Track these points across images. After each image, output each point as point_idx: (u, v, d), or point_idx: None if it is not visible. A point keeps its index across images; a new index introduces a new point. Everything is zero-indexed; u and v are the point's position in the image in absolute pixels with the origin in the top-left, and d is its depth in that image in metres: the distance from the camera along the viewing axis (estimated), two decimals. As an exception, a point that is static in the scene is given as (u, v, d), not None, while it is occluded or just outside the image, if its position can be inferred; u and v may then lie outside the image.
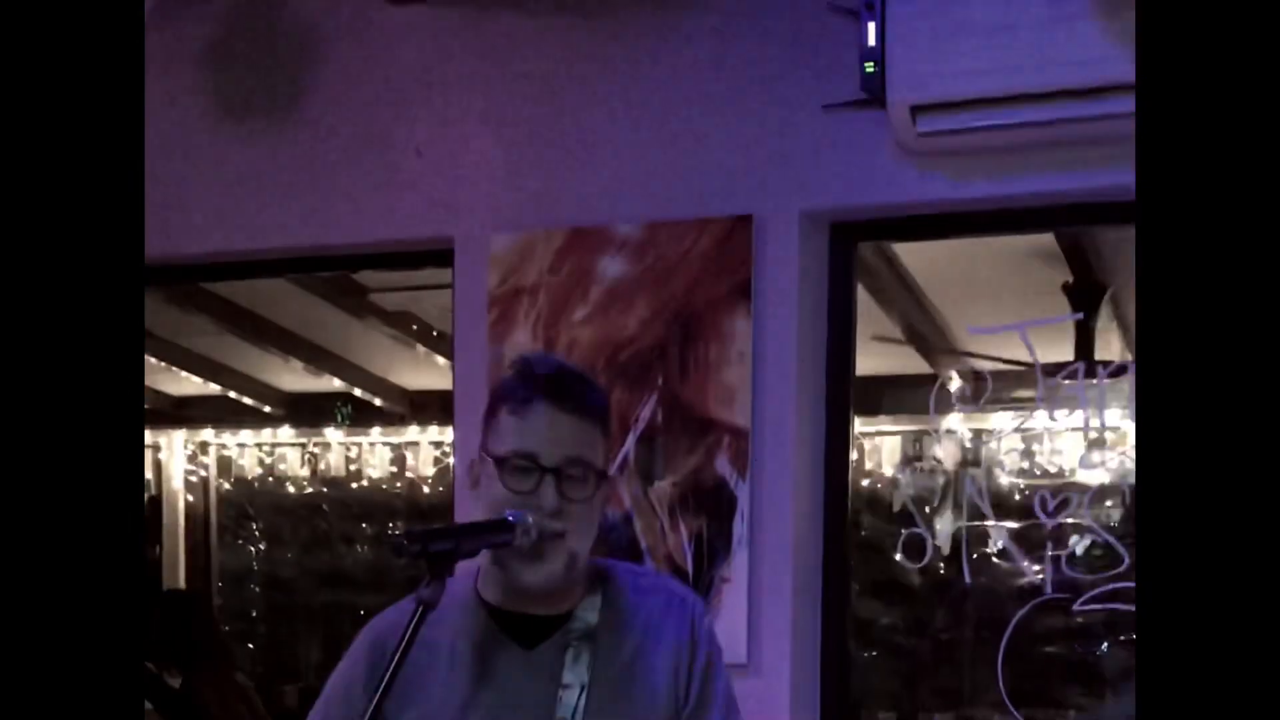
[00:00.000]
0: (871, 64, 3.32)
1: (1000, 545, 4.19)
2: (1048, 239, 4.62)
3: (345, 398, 7.67)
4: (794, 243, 3.61)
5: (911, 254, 4.76)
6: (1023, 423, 4.41)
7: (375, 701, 1.89)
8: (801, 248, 3.62)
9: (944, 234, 3.77)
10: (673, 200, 3.70)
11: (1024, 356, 3.74)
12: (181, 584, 8.17)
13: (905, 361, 5.87)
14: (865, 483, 6.59)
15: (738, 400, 3.64)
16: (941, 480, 5.78)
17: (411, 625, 1.94)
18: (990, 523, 4.00)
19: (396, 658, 1.91)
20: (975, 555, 4.21)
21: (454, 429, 4.00)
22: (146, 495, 8.32)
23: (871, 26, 3.31)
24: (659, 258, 3.69)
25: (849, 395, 3.78)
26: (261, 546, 8.95)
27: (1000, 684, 3.76)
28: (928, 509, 4.66)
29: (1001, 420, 5.48)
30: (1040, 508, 3.68)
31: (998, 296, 4.91)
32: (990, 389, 3.90)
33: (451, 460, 7.60)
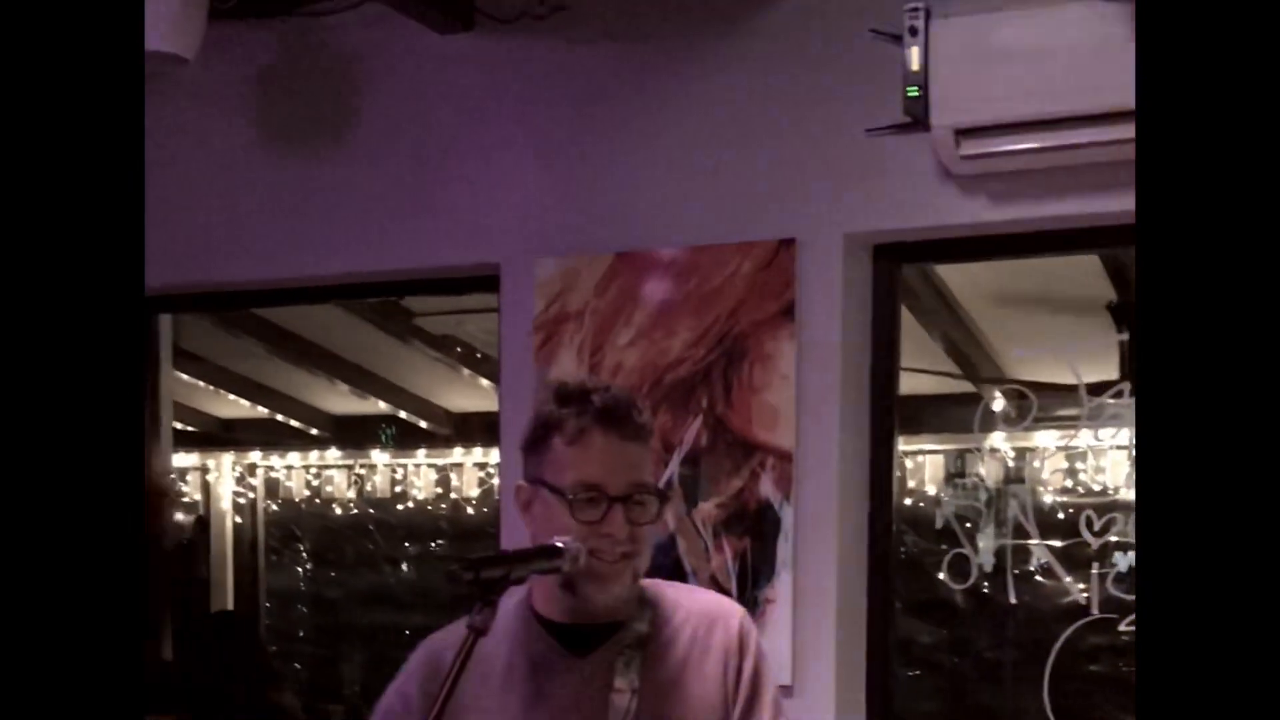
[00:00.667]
0: (915, 88, 3.35)
1: (1044, 563, 4.19)
2: (1091, 258, 4.62)
3: (390, 420, 7.72)
4: (838, 265, 3.64)
5: (953, 273, 4.77)
6: (1068, 441, 4.40)
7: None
8: (845, 270, 3.65)
9: (987, 255, 3.80)
10: (717, 224, 3.73)
11: (1068, 377, 3.76)
12: (230, 605, 8.22)
13: (948, 380, 5.87)
14: (908, 501, 6.59)
15: (781, 422, 3.66)
16: (985, 499, 5.76)
17: (463, 653, 1.97)
18: (1034, 541, 4.00)
19: (448, 686, 1.95)
20: (1019, 574, 4.21)
21: (500, 451, 4.04)
22: (195, 516, 8.39)
23: (914, 51, 3.34)
24: (703, 281, 3.72)
25: (893, 417, 3.80)
26: (308, 567, 9.01)
27: (1046, 703, 3.76)
28: (970, 527, 4.65)
29: (1046, 438, 5.48)
30: (1085, 526, 3.69)
31: (1041, 315, 4.92)
32: (1034, 408, 3.90)
33: (495, 481, 7.65)
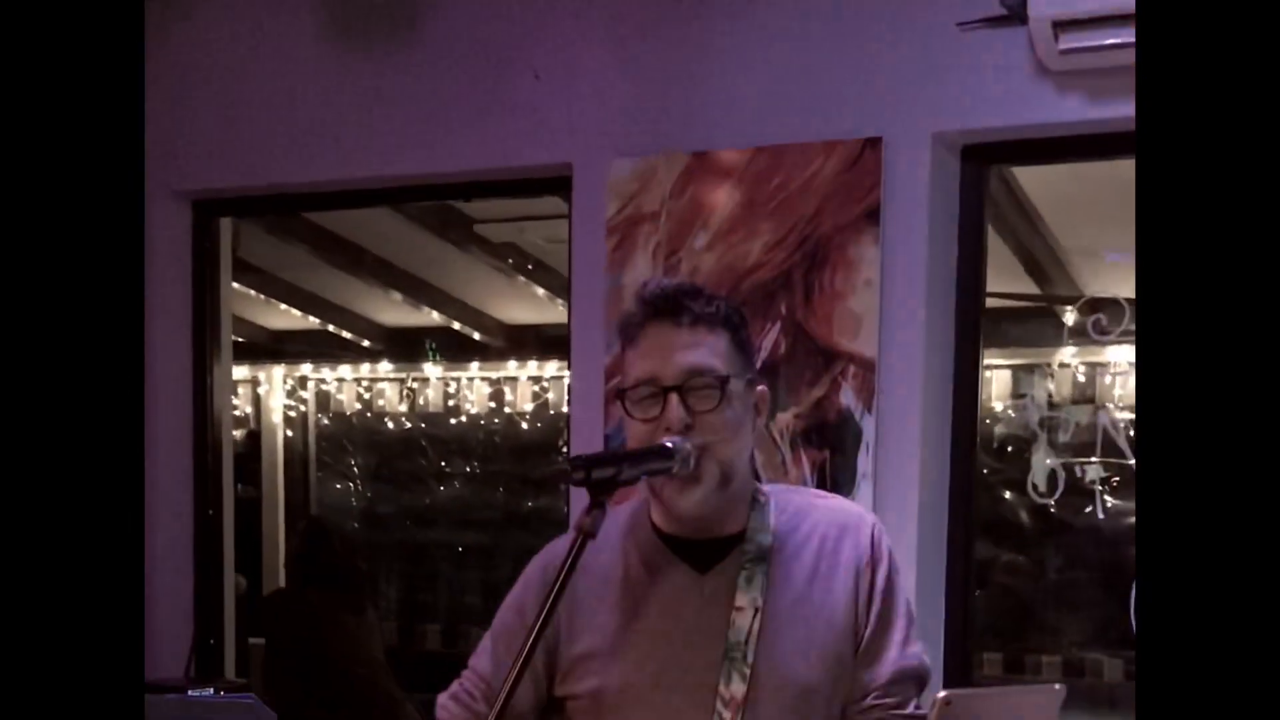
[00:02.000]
0: (1012, -21, 3.22)
1: (1114, 481, 4.09)
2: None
3: (440, 332, 7.62)
4: (925, 166, 3.51)
5: (1035, 183, 4.61)
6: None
7: (536, 629, 1.83)
8: (932, 171, 3.52)
9: (1080, 156, 3.64)
10: (799, 123, 3.60)
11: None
12: (281, 518, 8.20)
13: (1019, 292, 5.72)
14: (976, 417, 6.47)
15: (864, 329, 3.55)
16: (1055, 416, 5.67)
17: (572, 554, 1.87)
18: (1103, 459, 3.90)
19: (557, 586, 1.85)
20: (1087, 493, 4.12)
21: (570, 360, 3.93)
22: (246, 430, 8.35)
23: (1013, -62, 3.20)
24: (784, 182, 3.59)
25: (978, 325, 3.68)
26: (359, 482, 8.96)
27: (1120, 623, 3.67)
28: (1040, 445, 4.55)
29: (1119, 354, 5.36)
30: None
31: (1122, 225, 4.76)
32: (1109, 322, 3.78)
33: (550, 395, 7.58)
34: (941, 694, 1.59)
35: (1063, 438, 4.31)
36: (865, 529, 2.18)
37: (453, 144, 3.98)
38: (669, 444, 2.00)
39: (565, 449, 5.37)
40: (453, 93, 3.96)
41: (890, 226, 3.52)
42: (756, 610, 2.10)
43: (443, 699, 2.29)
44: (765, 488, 2.24)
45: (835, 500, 2.31)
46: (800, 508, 2.23)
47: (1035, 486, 4.14)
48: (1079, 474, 3.90)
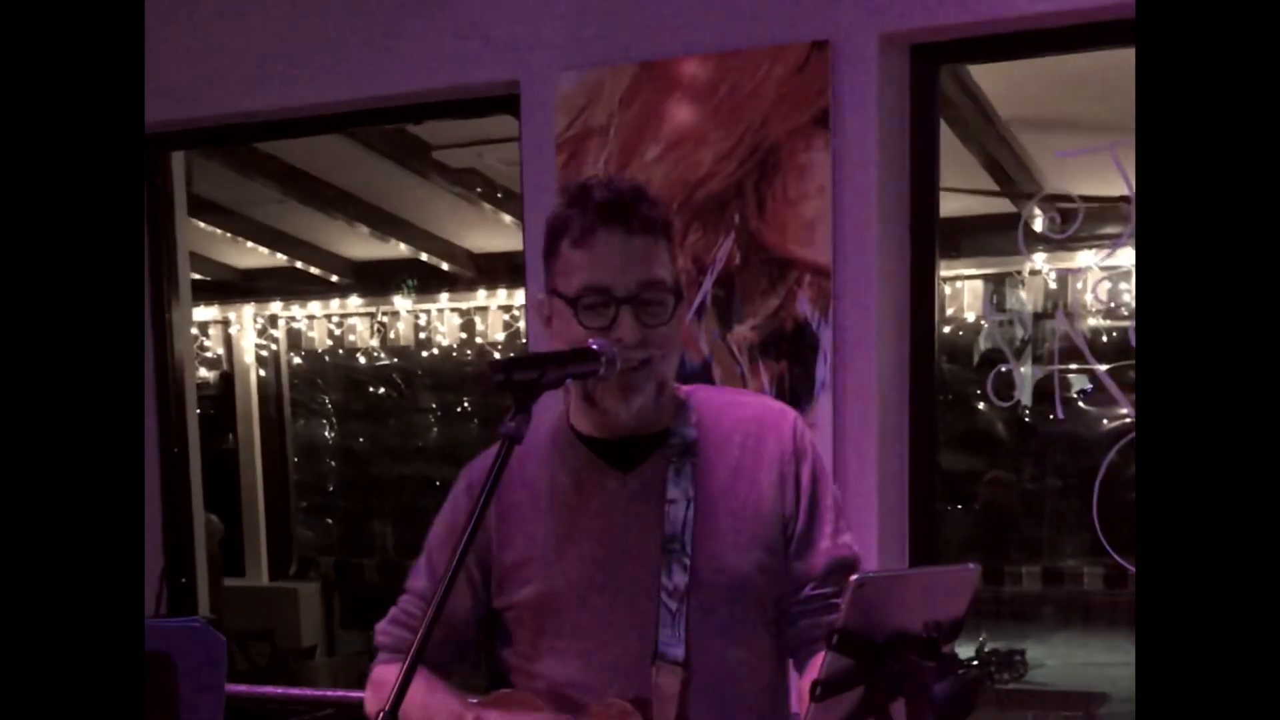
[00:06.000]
0: None
1: (1088, 389, 4.06)
2: (1139, 63, 4.40)
3: (411, 265, 7.57)
4: (873, 68, 3.45)
5: (994, 84, 4.56)
6: (1106, 258, 4.25)
7: (467, 533, 1.79)
8: (881, 73, 3.46)
9: (1031, 52, 3.58)
10: (745, 28, 3.53)
11: (1111, 189, 3.56)
12: (258, 460, 8.18)
13: (987, 202, 5.68)
14: (946, 330, 6.44)
15: (818, 236, 3.51)
16: (1025, 324, 5.65)
17: (499, 460, 1.84)
18: (1076, 366, 3.87)
19: (486, 489, 1.81)
20: (1061, 400, 4.08)
21: (526, 281, 3.88)
22: (219, 372, 8.32)
23: None
24: (732, 89, 3.54)
25: (934, 228, 3.62)
26: (334, 420, 8.94)
27: (1096, 525, 3.65)
28: (1010, 354, 4.52)
29: (1088, 258, 5.32)
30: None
31: (1083, 128, 4.71)
32: (1081, 217, 3.73)
33: (521, 324, 7.54)
34: (854, 577, 1.56)
35: (1041, 349, 4.28)
36: (786, 424, 2.16)
37: (397, 65, 3.92)
38: (594, 345, 1.96)
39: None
40: (395, 12, 3.89)
41: (841, 131, 3.46)
42: (689, 501, 2.08)
43: (381, 625, 2.26)
44: (685, 387, 2.21)
45: (755, 397, 2.31)
46: (720, 406, 2.20)
47: (1022, 395, 4.11)
48: (1056, 383, 3.87)
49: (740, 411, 2.19)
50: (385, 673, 2.19)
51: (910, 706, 1.58)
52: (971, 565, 1.63)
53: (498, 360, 1.88)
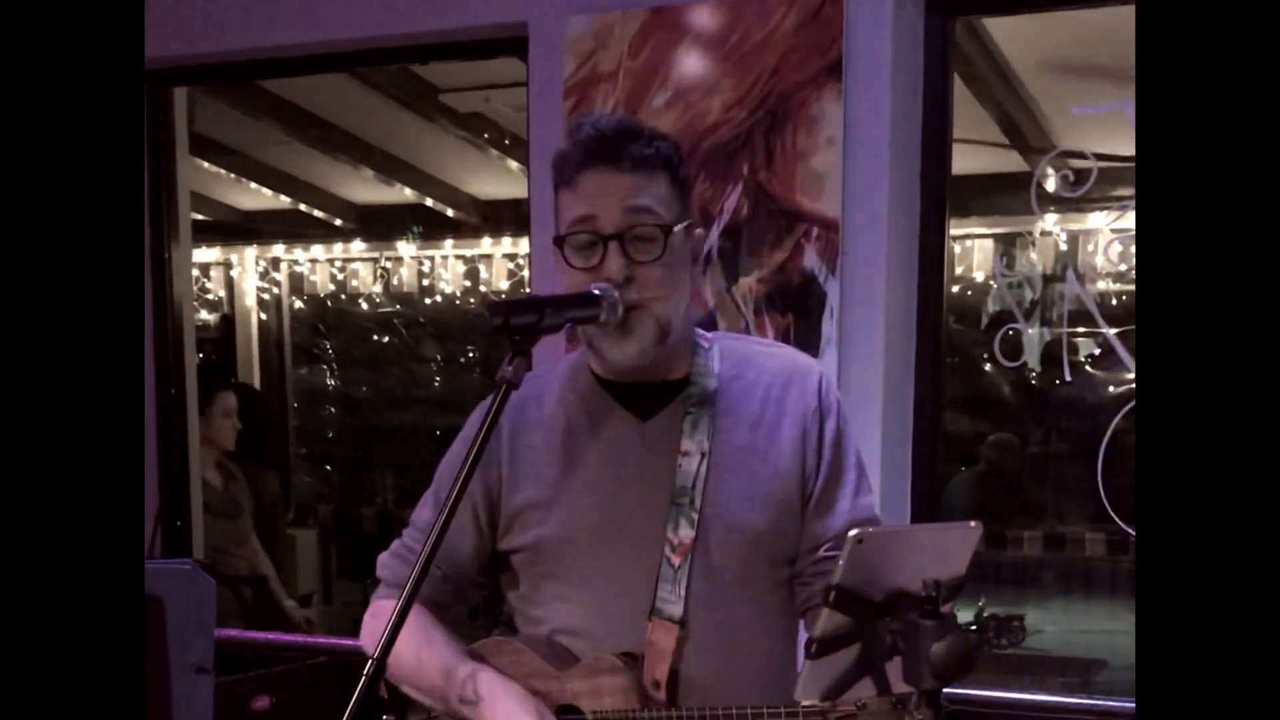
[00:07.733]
0: None
1: (1096, 352, 4.00)
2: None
3: (416, 210, 7.50)
4: (887, 17, 3.39)
5: (1010, 37, 4.48)
6: (1116, 220, 4.19)
7: (467, 465, 1.76)
8: (895, 22, 3.40)
9: (1048, 5, 3.52)
10: (758, -26, 3.46)
11: (1124, 149, 3.50)
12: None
13: (999, 160, 5.61)
14: (955, 289, 6.36)
15: (827, 189, 3.45)
16: (1034, 285, 5.57)
17: (496, 404, 1.80)
18: (1085, 329, 3.81)
19: (485, 427, 1.77)
20: (1069, 364, 4.02)
21: (531, 228, 3.83)
22: (219, 315, 8.27)
23: None
24: (744, 37, 3.48)
25: (945, 182, 3.57)
26: (335, 366, 8.89)
27: (1100, 489, 3.61)
28: (1020, 315, 4.46)
29: (1100, 220, 5.25)
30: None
31: (1100, 84, 4.64)
32: (1094, 175, 3.67)
33: (526, 273, 7.48)
34: (853, 532, 1.52)
35: (1050, 311, 4.22)
36: (812, 379, 2.10)
37: (406, 4, 3.87)
38: (596, 290, 1.92)
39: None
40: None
41: (853, 82, 3.41)
42: (703, 455, 2.03)
43: (383, 557, 2.23)
44: (709, 335, 2.16)
45: (781, 349, 2.23)
46: (745, 355, 2.15)
47: (1029, 357, 4.06)
48: (1064, 346, 3.82)
49: (765, 363, 2.13)
50: (383, 607, 2.16)
51: (907, 666, 1.54)
52: (973, 523, 1.58)
53: (496, 302, 1.82)
